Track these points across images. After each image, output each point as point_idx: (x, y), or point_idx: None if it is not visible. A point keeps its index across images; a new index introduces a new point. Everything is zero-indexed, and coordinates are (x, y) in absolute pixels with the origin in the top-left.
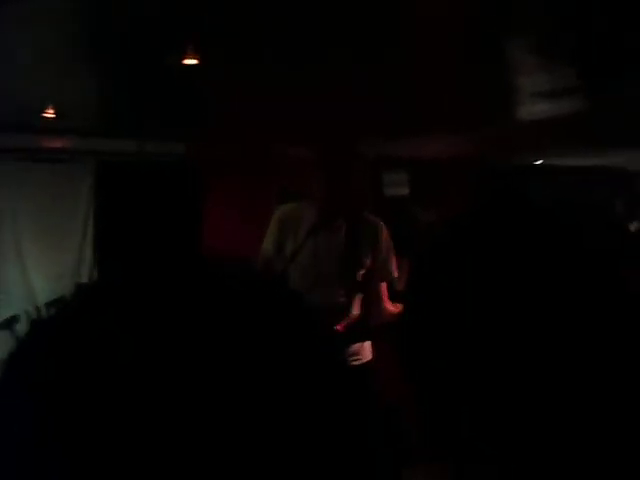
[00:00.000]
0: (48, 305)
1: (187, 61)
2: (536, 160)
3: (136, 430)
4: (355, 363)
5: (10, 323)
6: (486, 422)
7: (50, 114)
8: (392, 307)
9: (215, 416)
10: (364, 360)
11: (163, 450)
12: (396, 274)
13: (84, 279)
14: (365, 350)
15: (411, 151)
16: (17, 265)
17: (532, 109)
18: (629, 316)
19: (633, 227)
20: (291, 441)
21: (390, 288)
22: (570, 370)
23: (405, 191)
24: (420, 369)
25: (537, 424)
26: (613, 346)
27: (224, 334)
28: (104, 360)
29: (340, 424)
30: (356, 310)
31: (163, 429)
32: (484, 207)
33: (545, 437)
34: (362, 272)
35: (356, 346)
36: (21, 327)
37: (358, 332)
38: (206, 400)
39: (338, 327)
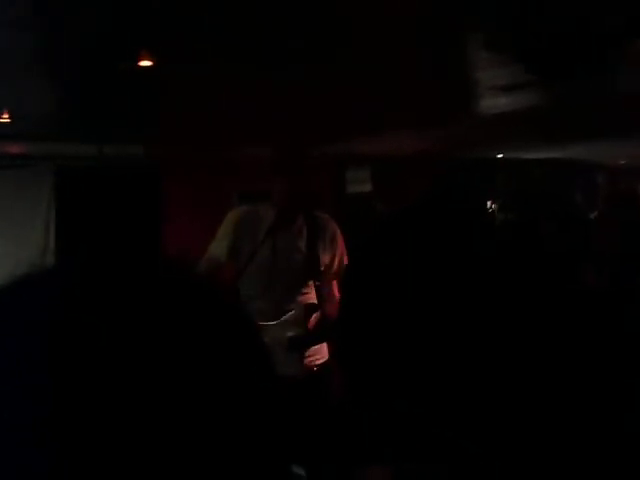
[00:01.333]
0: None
1: (142, 63)
2: (497, 154)
3: (78, 425)
4: (317, 363)
5: None
6: (422, 419)
7: (5, 119)
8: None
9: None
10: (324, 359)
11: (114, 446)
12: None
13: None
14: (323, 350)
15: (373, 148)
16: None
17: (491, 104)
18: (581, 309)
19: (592, 217)
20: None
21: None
22: (504, 364)
23: (368, 188)
24: (351, 360)
25: (474, 420)
26: (561, 338)
27: (157, 333)
28: (58, 354)
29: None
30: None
31: (103, 423)
32: (417, 204)
33: (475, 433)
34: (322, 268)
35: (317, 346)
36: None
37: (323, 331)
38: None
39: (309, 325)
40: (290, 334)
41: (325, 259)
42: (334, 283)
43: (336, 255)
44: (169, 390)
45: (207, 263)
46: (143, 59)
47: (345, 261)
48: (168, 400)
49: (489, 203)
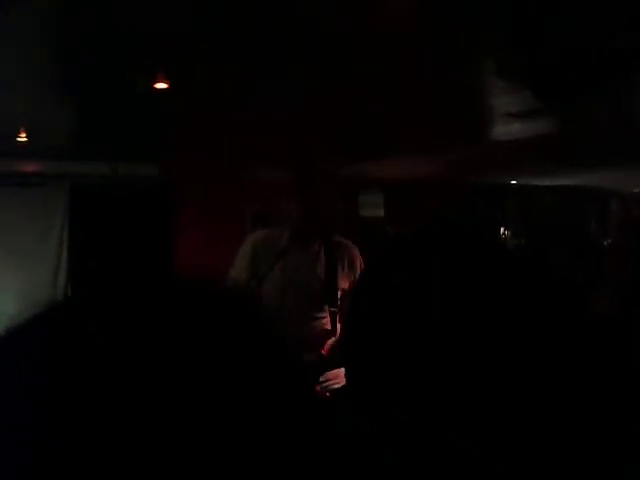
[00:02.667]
0: (17, 320)
1: (158, 85)
2: (510, 180)
3: (104, 441)
4: (336, 387)
5: None
6: (427, 441)
7: (22, 138)
8: None
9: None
10: (340, 385)
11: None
12: None
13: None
14: (341, 375)
15: (386, 173)
16: None
17: (504, 130)
18: (595, 338)
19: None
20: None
21: None
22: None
23: (381, 212)
24: (357, 380)
25: (480, 440)
26: (573, 365)
27: (188, 352)
28: (74, 373)
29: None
30: (337, 332)
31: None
32: (429, 226)
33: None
34: (340, 293)
35: (335, 370)
36: None
37: (337, 357)
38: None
39: (323, 351)
40: (304, 360)
41: (343, 285)
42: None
43: (354, 281)
44: (194, 412)
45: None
46: (159, 81)
47: None
48: (193, 422)
49: (502, 229)
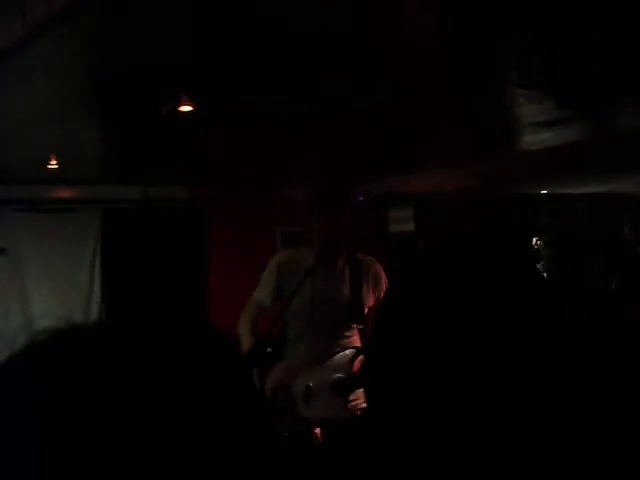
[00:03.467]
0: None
1: (183, 108)
2: (542, 189)
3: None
4: (363, 405)
5: None
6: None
7: (53, 165)
8: None
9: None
10: None
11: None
12: None
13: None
14: None
15: (416, 187)
16: (21, 311)
17: (535, 139)
18: (629, 347)
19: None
20: None
21: None
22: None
23: (411, 227)
24: (380, 396)
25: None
26: (608, 375)
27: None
28: (90, 398)
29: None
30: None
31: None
32: (461, 241)
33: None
34: (366, 312)
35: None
36: None
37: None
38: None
39: (354, 369)
40: (334, 377)
41: (369, 301)
42: None
43: (380, 297)
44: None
45: (252, 308)
46: (183, 104)
47: None
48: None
49: (534, 240)
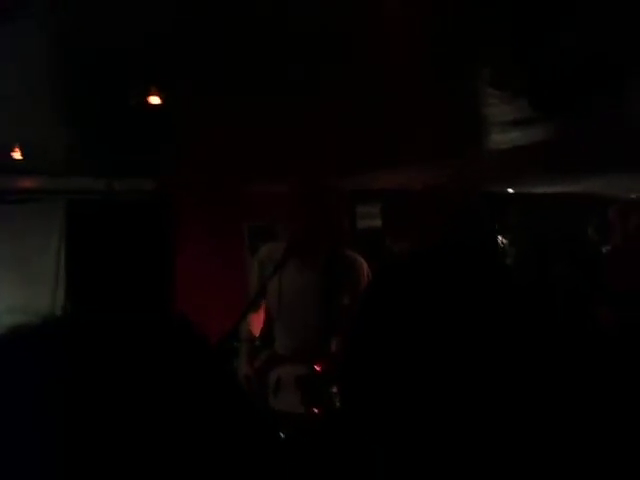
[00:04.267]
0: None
1: (151, 99)
2: (508, 189)
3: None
4: (323, 404)
5: None
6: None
7: (17, 154)
8: None
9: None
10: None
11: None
12: None
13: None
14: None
15: (383, 183)
16: None
17: (502, 138)
18: (598, 350)
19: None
20: None
21: None
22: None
23: (378, 223)
24: (355, 404)
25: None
26: (581, 380)
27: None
28: (66, 387)
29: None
30: (336, 348)
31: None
32: (438, 247)
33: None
34: (340, 309)
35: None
36: None
37: (332, 373)
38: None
39: (317, 367)
40: (298, 372)
41: (343, 299)
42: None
43: (359, 295)
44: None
45: (251, 304)
46: (152, 95)
47: None
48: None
49: (500, 238)
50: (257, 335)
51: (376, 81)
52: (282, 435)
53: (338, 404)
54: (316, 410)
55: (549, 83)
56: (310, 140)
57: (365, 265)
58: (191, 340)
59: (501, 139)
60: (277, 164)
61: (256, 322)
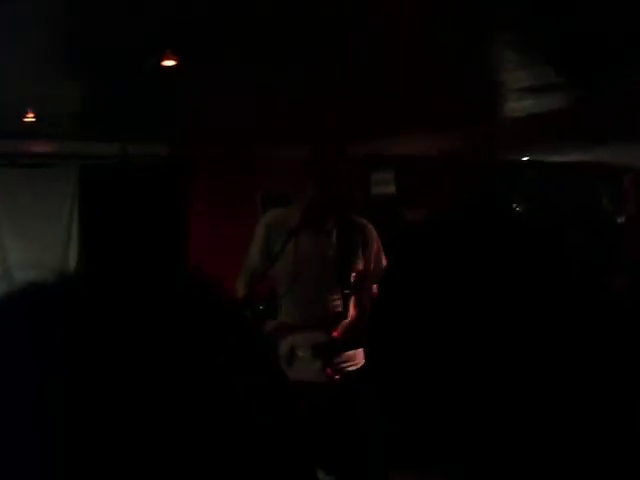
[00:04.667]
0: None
1: (166, 62)
2: (523, 157)
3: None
4: (350, 369)
5: None
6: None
7: (30, 118)
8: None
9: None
10: (358, 366)
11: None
12: None
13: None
14: (359, 355)
15: (398, 150)
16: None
17: (518, 105)
18: (613, 320)
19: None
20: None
21: None
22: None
23: (392, 190)
24: (382, 367)
25: (501, 426)
26: (597, 350)
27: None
28: (74, 347)
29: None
30: (351, 314)
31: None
32: (463, 210)
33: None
34: (354, 274)
35: (350, 352)
36: None
37: (354, 338)
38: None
39: (335, 334)
40: (316, 340)
41: (357, 265)
42: (374, 288)
43: (370, 261)
44: (177, 400)
45: (244, 270)
46: (167, 58)
47: (383, 264)
48: (176, 410)
49: (514, 206)
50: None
51: (391, 46)
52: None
53: (353, 370)
54: (337, 377)
55: (575, 49)
56: (325, 107)
57: (374, 230)
58: (210, 293)
59: (516, 106)
60: (292, 131)
61: (260, 289)
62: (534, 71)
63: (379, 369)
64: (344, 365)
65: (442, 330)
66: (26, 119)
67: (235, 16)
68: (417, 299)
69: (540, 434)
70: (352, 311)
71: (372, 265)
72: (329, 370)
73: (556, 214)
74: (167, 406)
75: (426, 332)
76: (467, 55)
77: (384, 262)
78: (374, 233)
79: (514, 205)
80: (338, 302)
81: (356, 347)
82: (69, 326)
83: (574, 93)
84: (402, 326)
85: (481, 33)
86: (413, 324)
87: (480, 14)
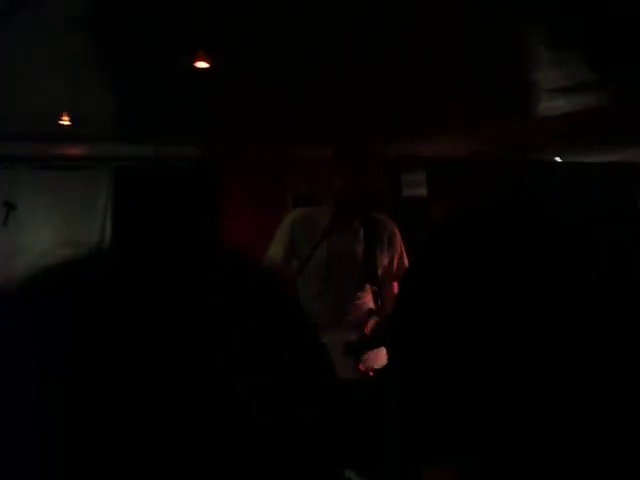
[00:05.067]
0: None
1: (199, 64)
2: (555, 157)
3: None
4: (375, 367)
5: None
6: (478, 422)
7: (65, 121)
8: None
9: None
10: (382, 364)
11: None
12: None
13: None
14: (382, 354)
15: (429, 151)
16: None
17: (549, 105)
18: None
19: None
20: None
21: None
22: (574, 376)
23: (423, 191)
24: (405, 366)
25: (535, 427)
26: (629, 351)
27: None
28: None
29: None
30: (380, 310)
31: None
32: (491, 205)
33: (542, 438)
34: (380, 272)
35: (376, 349)
36: None
37: (380, 336)
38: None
39: (366, 330)
40: (346, 339)
41: (383, 262)
42: (395, 285)
43: (395, 257)
44: (217, 382)
45: (267, 264)
46: (200, 60)
47: (405, 263)
48: (216, 393)
49: (546, 206)
50: None
51: (423, 46)
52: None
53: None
54: (371, 373)
55: (609, 46)
56: (356, 107)
57: (396, 227)
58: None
59: (549, 106)
60: (323, 131)
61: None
62: (567, 70)
63: (403, 367)
64: (373, 363)
65: (471, 329)
66: (61, 122)
67: (267, 16)
68: (447, 298)
69: (571, 430)
70: (381, 308)
71: (396, 262)
72: (361, 367)
73: (589, 215)
74: (204, 388)
75: (456, 331)
76: (499, 54)
77: (406, 261)
78: (395, 229)
79: (546, 205)
80: (366, 299)
81: (381, 345)
82: (103, 307)
83: (607, 92)
84: (430, 325)
85: (513, 32)
86: (442, 323)
87: (512, 12)
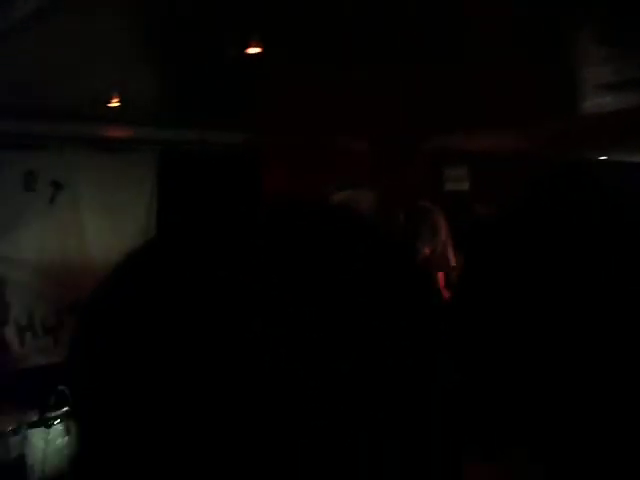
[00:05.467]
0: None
1: (251, 50)
2: (601, 155)
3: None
4: None
5: None
6: (529, 418)
7: (115, 103)
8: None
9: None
10: None
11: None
12: (453, 263)
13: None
14: None
15: (473, 145)
16: (78, 247)
17: (596, 102)
18: None
19: None
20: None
21: (447, 278)
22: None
23: (466, 186)
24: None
25: (580, 422)
26: None
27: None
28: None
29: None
30: None
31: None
32: (539, 200)
33: (586, 436)
34: (420, 261)
35: None
36: None
37: None
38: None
39: None
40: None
41: (425, 251)
42: (440, 275)
43: (437, 247)
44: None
45: None
46: (252, 46)
47: (450, 254)
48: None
49: (590, 204)
50: None
51: (471, 43)
52: None
53: None
54: None
55: None
56: (400, 101)
57: (441, 214)
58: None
59: (595, 103)
60: (367, 123)
61: None
62: (616, 66)
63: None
64: None
65: (520, 325)
66: (111, 104)
67: (321, 6)
68: (494, 295)
69: (620, 428)
70: None
71: (439, 253)
72: None
73: (634, 214)
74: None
75: (504, 328)
76: (546, 51)
77: (451, 253)
78: (443, 221)
79: (591, 203)
80: None
81: None
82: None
83: None
84: (479, 321)
85: (561, 29)
86: (491, 319)
87: (559, 10)
